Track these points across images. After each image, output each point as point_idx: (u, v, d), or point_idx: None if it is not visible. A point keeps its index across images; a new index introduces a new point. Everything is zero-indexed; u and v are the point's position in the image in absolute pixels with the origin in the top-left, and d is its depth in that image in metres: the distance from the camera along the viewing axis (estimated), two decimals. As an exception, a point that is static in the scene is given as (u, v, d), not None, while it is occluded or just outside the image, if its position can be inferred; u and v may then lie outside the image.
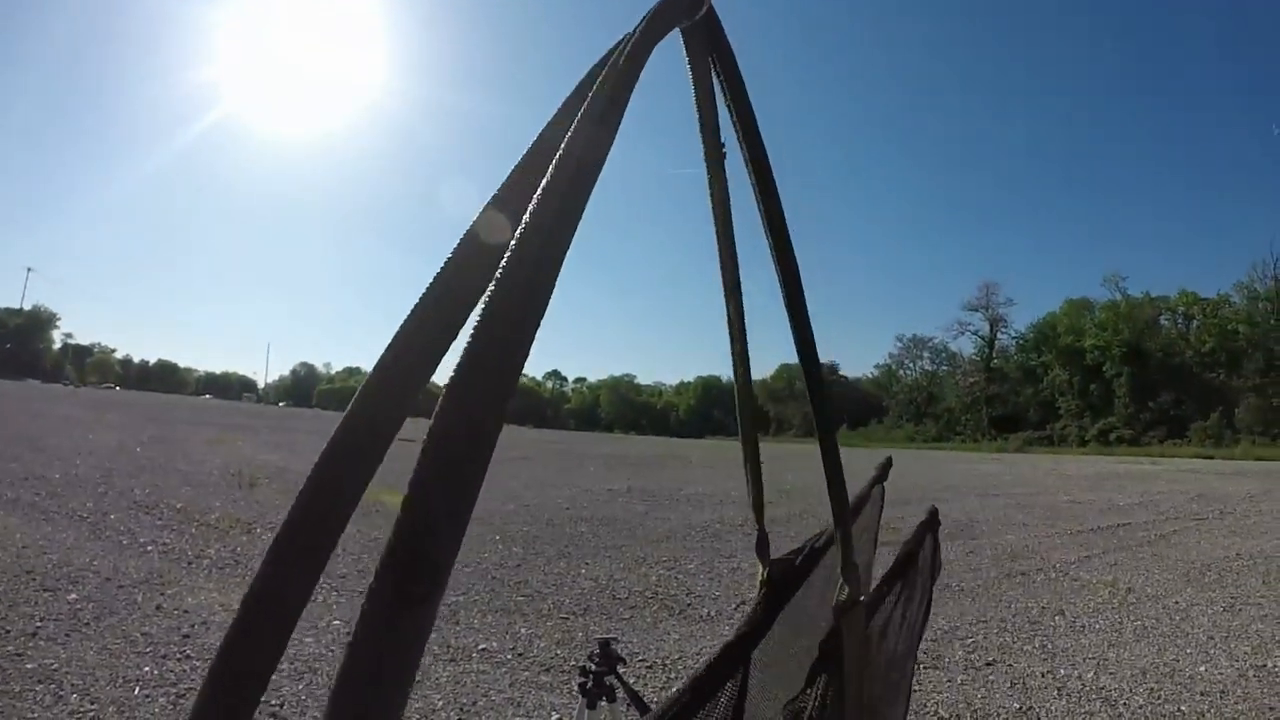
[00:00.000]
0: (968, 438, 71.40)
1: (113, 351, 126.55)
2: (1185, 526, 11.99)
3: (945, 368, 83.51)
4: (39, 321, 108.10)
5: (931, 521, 1.74)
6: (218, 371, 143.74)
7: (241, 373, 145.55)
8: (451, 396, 0.38)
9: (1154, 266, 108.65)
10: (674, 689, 1.00)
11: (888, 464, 1.97)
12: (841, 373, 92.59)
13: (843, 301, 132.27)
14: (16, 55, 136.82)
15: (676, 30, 0.64)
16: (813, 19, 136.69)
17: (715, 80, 0.73)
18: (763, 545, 1.29)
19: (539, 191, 0.46)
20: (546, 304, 0.43)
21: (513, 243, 0.44)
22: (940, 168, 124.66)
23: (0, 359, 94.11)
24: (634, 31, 0.56)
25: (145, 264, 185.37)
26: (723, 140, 0.81)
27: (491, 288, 0.43)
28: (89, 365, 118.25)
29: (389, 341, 0.49)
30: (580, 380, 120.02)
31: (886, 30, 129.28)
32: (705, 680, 1.05)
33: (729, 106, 0.75)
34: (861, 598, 1.08)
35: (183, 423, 28.61)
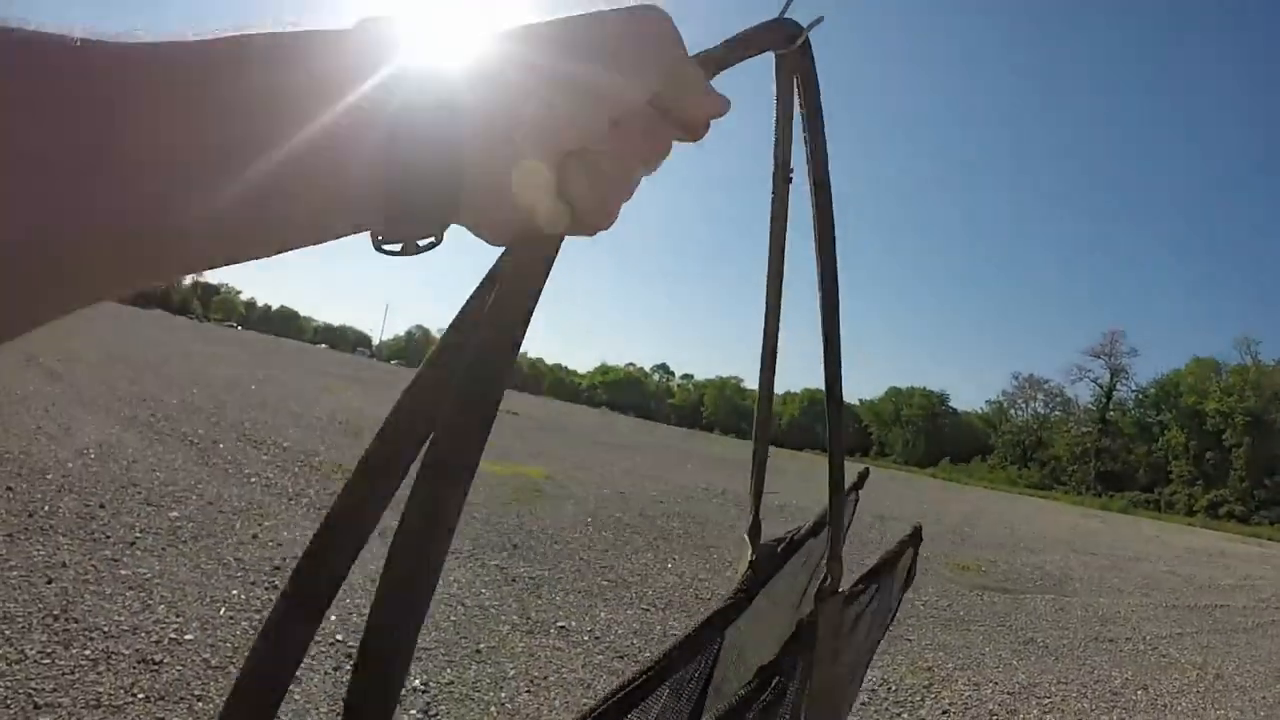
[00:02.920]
0: (1072, 489, 68.33)
1: (239, 293, 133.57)
2: (1290, 619, 11.19)
3: (1058, 413, 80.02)
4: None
5: (914, 538, 1.83)
6: (335, 324, 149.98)
7: (358, 328, 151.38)
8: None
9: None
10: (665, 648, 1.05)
11: (865, 474, 2.10)
12: (949, 404, 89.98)
13: (960, 333, 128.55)
14: None
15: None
16: (959, 52, 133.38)
17: (797, 107, 0.77)
18: (755, 531, 1.38)
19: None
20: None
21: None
22: (1081, 209, 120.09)
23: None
24: (724, 44, 0.55)
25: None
26: (792, 165, 0.85)
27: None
28: (215, 303, 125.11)
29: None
30: (687, 377, 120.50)
31: (1029, 66, 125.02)
32: (691, 642, 1.10)
33: (805, 135, 0.79)
34: (841, 589, 1.18)
35: (297, 367, 29.95)
